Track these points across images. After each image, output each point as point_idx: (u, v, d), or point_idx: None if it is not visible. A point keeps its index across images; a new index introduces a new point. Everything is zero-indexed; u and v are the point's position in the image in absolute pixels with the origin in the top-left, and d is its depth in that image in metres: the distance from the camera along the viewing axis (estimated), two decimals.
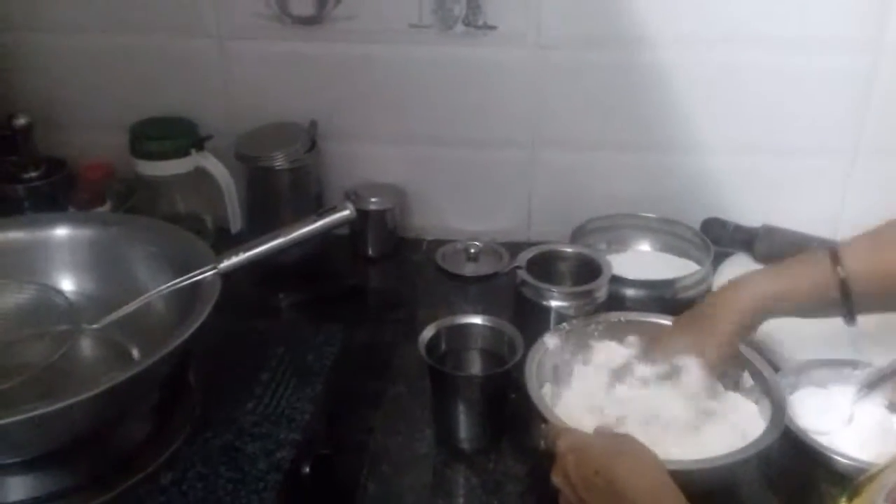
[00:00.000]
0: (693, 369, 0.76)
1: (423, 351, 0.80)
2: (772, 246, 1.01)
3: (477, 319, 0.85)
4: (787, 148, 1.07)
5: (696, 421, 0.76)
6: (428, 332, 0.82)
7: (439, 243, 1.15)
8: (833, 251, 0.72)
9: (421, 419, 0.85)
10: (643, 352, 0.81)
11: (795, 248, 1.00)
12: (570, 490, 0.66)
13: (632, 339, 0.84)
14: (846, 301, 0.72)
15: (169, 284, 0.73)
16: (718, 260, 1.02)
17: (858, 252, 0.72)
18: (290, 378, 0.79)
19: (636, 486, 0.62)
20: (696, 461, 0.71)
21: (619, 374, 0.80)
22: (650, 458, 0.65)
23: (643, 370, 0.79)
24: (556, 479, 0.68)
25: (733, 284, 0.78)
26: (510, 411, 0.84)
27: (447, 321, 0.84)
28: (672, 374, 0.76)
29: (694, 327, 0.78)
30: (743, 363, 0.80)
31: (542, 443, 0.72)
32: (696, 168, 1.08)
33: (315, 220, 0.75)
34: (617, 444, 0.67)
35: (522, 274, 0.90)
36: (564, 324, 0.85)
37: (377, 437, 0.83)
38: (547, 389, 0.80)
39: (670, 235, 1.06)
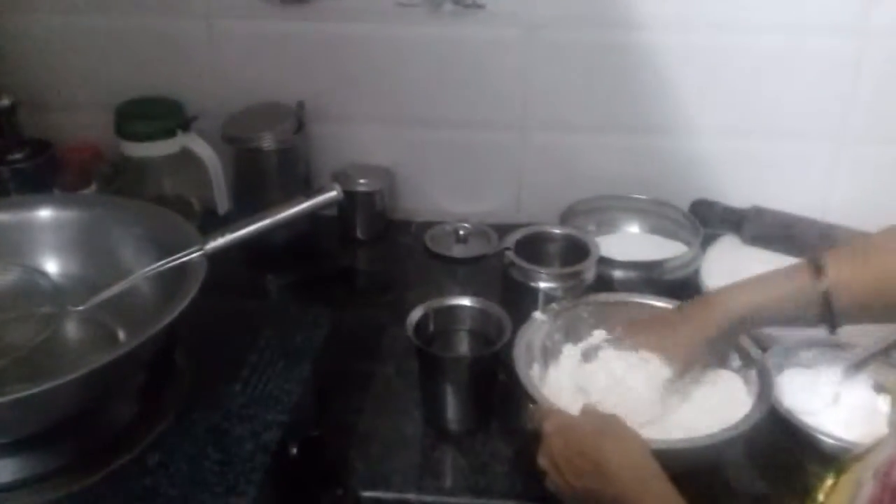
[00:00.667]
0: (657, 365, 0.76)
1: (411, 332, 0.80)
2: (761, 227, 1.01)
3: (465, 301, 0.85)
4: (777, 131, 1.07)
5: (666, 406, 0.76)
6: (416, 314, 0.82)
7: (428, 225, 1.15)
8: (815, 263, 0.71)
9: (409, 400, 0.85)
10: (614, 337, 0.81)
11: (784, 228, 1.01)
12: (556, 471, 0.66)
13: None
14: (828, 313, 0.71)
15: (154, 266, 0.72)
16: (707, 241, 1.02)
17: (840, 264, 0.71)
18: (278, 360, 0.79)
19: (620, 467, 0.63)
20: (681, 440, 0.71)
21: (588, 354, 0.80)
22: (634, 439, 0.66)
23: (610, 354, 0.79)
24: (543, 460, 0.68)
25: (709, 298, 0.78)
26: (498, 392, 0.84)
27: (435, 303, 0.84)
28: (638, 365, 0.77)
29: (663, 331, 0.78)
30: (734, 347, 0.80)
31: (529, 424, 0.72)
32: (685, 150, 1.08)
33: (302, 201, 0.75)
34: (602, 424, 0.68)
35: (511, 255, 0.90)
36: (553, 304, 0.85)
37: (365, 419, 0.84)
38: (535, 370, 0.80)
39: (659, 217, 1.06)
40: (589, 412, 0.71)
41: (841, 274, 0.70)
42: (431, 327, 0.84)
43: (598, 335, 0.86)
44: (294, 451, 0.71)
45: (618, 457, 0.64)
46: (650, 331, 0.79)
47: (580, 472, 0.64)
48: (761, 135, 1.07)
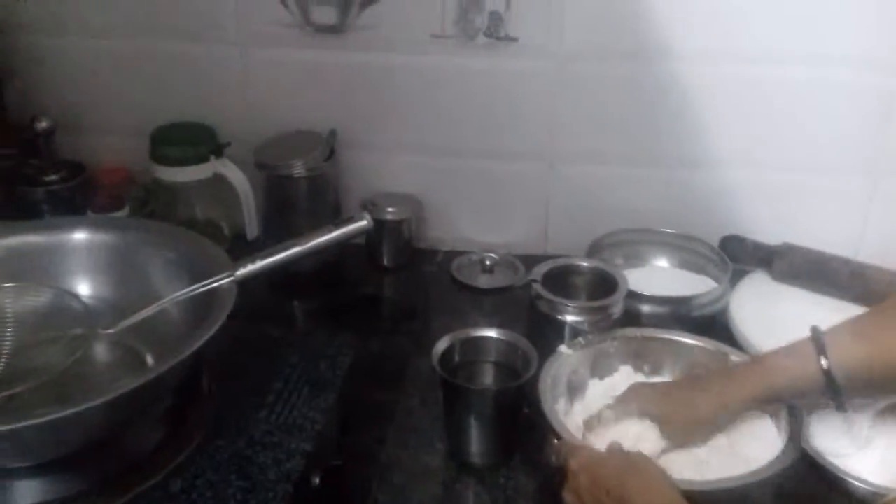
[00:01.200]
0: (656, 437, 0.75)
1: (436, 363, 0.80)
2: (791, 264, 1.00)
3: (491, 333, 0.84)
4: (809, 165, 1.05)
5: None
6: (442, 345, 0.82)
7: (455, 254, 1.15)
8: (818, 340, 0.72)
9: (432, 432, 0.84)
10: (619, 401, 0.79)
11: (816, 266, 0.99)
12: None
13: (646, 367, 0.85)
14: (833, 390, 0.71)
15: (185, 291, 0.73)
16: (737, 278, 1.01)
17: (841, 340, 0.71)
18: (303, 387, 0.79)
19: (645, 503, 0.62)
20: (709, 482, 0.70)
21: (590, 424, 0.79)
22: (661, 478, 0.65)
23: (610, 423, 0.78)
24: (568, 497, 0.68)
25: (728, 373, 0.78)
26: (523, 426, 0.83)
27: (461, 334, 0.84)
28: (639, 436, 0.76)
29: (671, 405, 0.76)
30: None
31: (554, 459, 0.71)
32: (715, 184, 1.07)
33: (332, 230, 0.75)
34: (628, 462, 0.67)
35: (538, 287, 0.89)
36: (580, 338, 0.85)
37: (388, 449, 0.83)
38: (560, 405, 0.79)
39: (688, 252, 1.05)
40: (615, 450, 0.70)
41: (843, 351, 0.70)
42: (457, 358, 0.83)
43: (625, 371, 0.85)
44: (317, 480, 0.71)
45: (643, 496, 0.63)
46: (656, 403, 0.77)
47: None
48: (793, 169, 1.06)
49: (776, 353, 0.75)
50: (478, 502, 0.78)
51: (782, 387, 0.73)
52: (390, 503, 0.77)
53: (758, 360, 0.77)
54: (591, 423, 0.79)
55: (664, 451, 0.75)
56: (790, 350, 0.74)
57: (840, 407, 0.72)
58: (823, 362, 0.70)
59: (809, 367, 0.71)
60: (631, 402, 0.78)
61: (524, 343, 0.82)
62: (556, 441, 0.72)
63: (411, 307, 1.09)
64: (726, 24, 0.99)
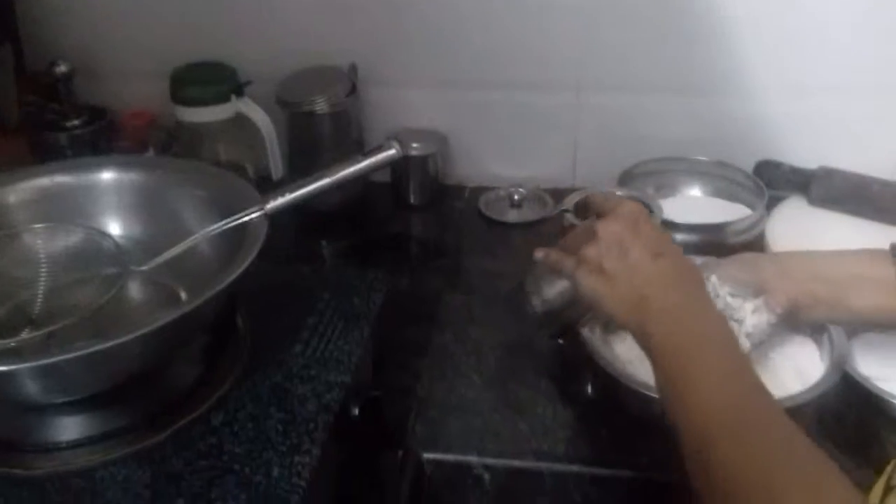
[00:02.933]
0: (755, 308, 0.73)
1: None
2: (830, 188, 0.98)
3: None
4: (845, 86, 1.02)
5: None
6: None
7: (482, 190, 1.13)
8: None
9: (467, 365, 0.84)
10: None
11: (856, 189, 0.97)
12: (602, 245, 0.64)
13: None
14: None
15: (216, 226, 0.72)
16: (772, 204, 0.99)
17: None
18: (338, 322, 0.79)
19: (662, 276, 0.61)
20: None
21: None
22: (691, 268, 0.64)
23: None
24: (604, 229, 0.65)
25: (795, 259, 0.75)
26: (556, 357, 0.82)
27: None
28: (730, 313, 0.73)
29: (762, 267, 0.73)
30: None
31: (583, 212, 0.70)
32: (749, 109, 1.04)
33: (361, 160, 0.73)
34: (659, 243, 0.64)
35: (570, 217, 0.88)
36: None
37: (424, 383, 0.83)
38: (597, 333, 0.78)
39: (722, 179, 1.03)
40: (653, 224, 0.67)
41: None
42: None
43: None
44: (355, 411, 0.71)
45: (664, 267, 0.62)
46: (749, 270, 0.74)
47: (623, 258, 0.62)
48: (829, 91, 1.02)
49: (847, 252, 0.71)
50: (516, 432, 0.78)
51: (852, 287, 0.69)
52: (429, 434, 0.77)
53: (830, 253, 0.73)
54: None
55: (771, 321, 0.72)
56: (863, 253, 0.70)
57: None
58: None
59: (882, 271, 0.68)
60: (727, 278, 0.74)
61: None
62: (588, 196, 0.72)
63: (440, 244, 1.08)
64: None
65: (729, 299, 0.73)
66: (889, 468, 0.56)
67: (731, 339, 0.60)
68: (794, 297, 0.71)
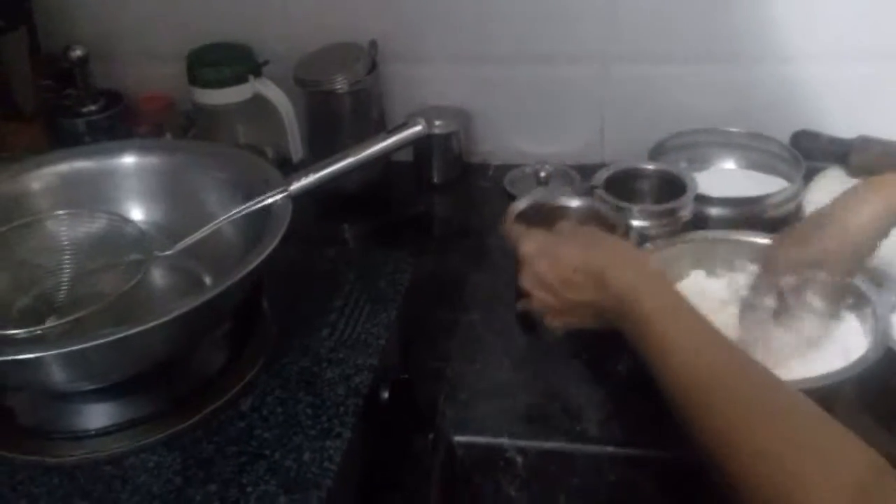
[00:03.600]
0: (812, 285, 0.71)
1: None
2: (869, 158, 0.94)
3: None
4: (884, 52, 0.98)
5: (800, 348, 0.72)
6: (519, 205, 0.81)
7: (507, 168, 1.11)
8: None
9: (497, 346, 0.83)
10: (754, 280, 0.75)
11: (893, 158, 0.94)
12: (547, 291, 0.66)
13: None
14: None
15: (240, 209, 0.70)
16: (810, 176, 0.95)
17: None
18: (364, 305, 0.77)
19: (620, 274, 0.61)
20: (796, 381, 0.67)
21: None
22: (626, 246, 0.66)
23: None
24: (526, 283, 0.67)
25: (854, 195, 0.72)
26: (587, 337, 0.80)
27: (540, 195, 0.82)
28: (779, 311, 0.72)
29: (818, 235, 0.71)
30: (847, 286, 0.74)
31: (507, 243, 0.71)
32: (783, 78, 1.00)
33: (386, 138, 0.72)
34: (589, 238, 0.66)
35: (600, 193, 0.86)
36: (648, 244, 0.81)
37: (453, 365, 0.81)
38: None
39: (757, 151, 1.00)
40: (574, 230, 0.69)
41: None
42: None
43: (696, 276, 0.82)
44: (385, 395, 0.70)
45: (614, 265, 0.62)
46: (804, 242, 0.71)
47: (576, 286, 0.63)
48: (865, 58, 0.99)
49: None
50: (548, 414, 0.76)
51: None
52: (459, 416, 0.76)
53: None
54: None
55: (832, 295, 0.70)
56: None
57: None
58: None
59: None
60: (781, 260, 0.72)
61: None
62: (503, 226, 0.72)
63: (465, 224, 1.06)
64: None
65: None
66: None
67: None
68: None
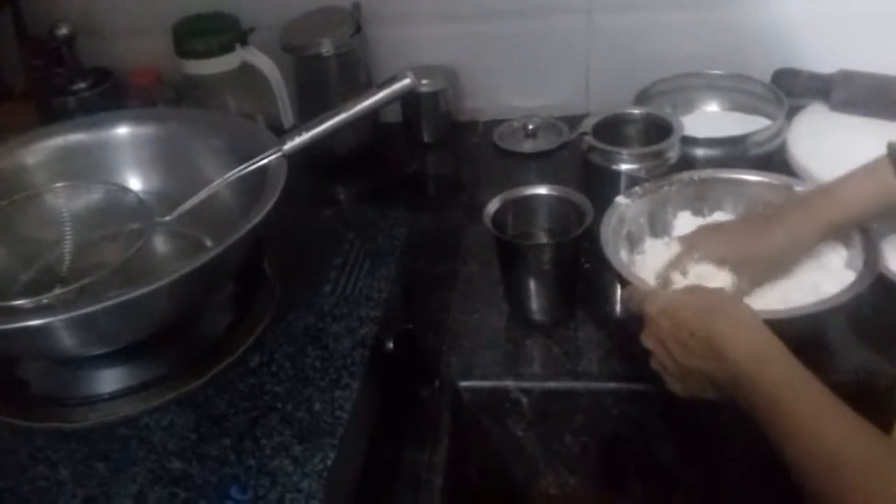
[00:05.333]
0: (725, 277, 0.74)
1: (488, 222, 0.78)
2: (851, 92, 0.96)
3: (543, 190, 0.82)
4: None
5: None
6: (493, 205, 0.80)
7: (496, 123, 1.12)
8: (893, 154, 0.68)
9: (495, 296, 0.84)
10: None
11: (877, 91, 0.95)
12: (665, 353, 0.64)
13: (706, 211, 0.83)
14: None
15: (236, 171, 0.71)
16: (793, 113, 0.97)
17: None
18: (364, 261, 0.79)
19: (735, 344, 0.59)
20: (788, 310, 0.69)
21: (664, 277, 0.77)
22: (749, 314, 0.62)
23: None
24: (648, 342, 0.65)
25: (804, 204, 0.74)
26: (583, 280, 0.82)
27: (513, 193, 0.82)
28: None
29: (743, 245, 0.74)
30: None
31: (629, 306, 0.69)
32: (763, 16, 1.01)
33: (376, 92, 0.72)
34: (712, 301, 0.64)
35: (589, 139, 0.87)
36: (637, 187, 0.83)
37: (454, 315, 0.83)
38: (623, 256, 0.78)
39: (740, 92, 1.01)
40: (695, 289, 0.68)
41: None
42: (510, 218, 0.81)
43: (683, 217, 0.83)
44: (390, 345, 0.71)
45: (731, 333, 0.59)
46: (726, 240, 0.75)
47: (692, 352, 0.61)
48: None
49: (849, 176, 0.72)
50: (550, 356, 0.78)
51: (858, 210, 0.71)
52: (464, 363, 0.78)
53: (829, 186, 0.73)
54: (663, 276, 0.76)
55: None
56: (865, 171, 0.71)
57: None
58: None
59: (888, 186, 0.68)
60: (699, 246, 0.75)
61: (577, 196, 0.80)
62: (628, 287, 0.71)
63: (457, 180, 1.08)
64: None
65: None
66: None
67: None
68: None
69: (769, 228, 0.74)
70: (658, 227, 0.83)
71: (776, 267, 0.75)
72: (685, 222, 0.83)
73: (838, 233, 0.75)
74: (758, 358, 0.58)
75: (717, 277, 0.74)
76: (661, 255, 0.79)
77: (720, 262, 0.74)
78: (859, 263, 0.73)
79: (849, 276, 0.72)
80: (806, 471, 0.52)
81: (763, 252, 0.73)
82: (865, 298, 0.70)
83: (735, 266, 0.74)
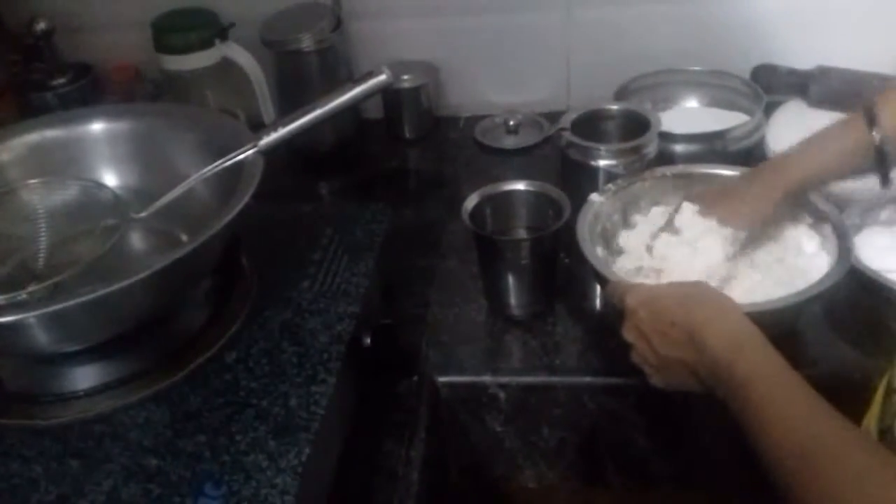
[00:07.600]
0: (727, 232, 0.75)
1: (466, 218, 0.78)
2: (828, 88, 0.96)
3: (521, 185, 0.82)
4: None
5: (736, 270, 0.75)
6: (471, 201, 0.80)
7: (477, 119, 1.12)
8: (869, 110, 0.69)
9: (475, 290, 0.85)
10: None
11: (853, 87, 0.95)
12: (646, 345, 0.64)
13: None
14: (881, 165, 0.69)
15: (212, 166, 0.71)
16: (771, 109, 0.97)
17: (891, 109, 0.68)
18: (342, 255, 0.79)
19: (714, 332, 0.59)
20: (765, 303, 0.69)
21: (669, 223, 0.78)
22: (728, 303, 0.62)
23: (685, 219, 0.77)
24: (629, 335, 0.65)
25: (772, 163, 0.76)
26: (561, 275, 0.82)
27: (490, 189, 0.82)
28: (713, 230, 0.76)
29: (729, 200, 0.76)
30: (805, 205, 0.77)
31: (610, 300, 0.69)
32: (743, 12, 1.01)
33: (352, 88, 0.72)
34: (691, 291, 0.64)
35: (567, 135, 0.87)
36: (610, 184, 0.83)
37: (433, 310, 0.83)
38: (600, 252, 0.78)
39: (718, 88, 1.01)
40: (675, 283, 0.68)
41: (893, 119, 0.68)
42: (488, 214, 0.82)
43: (656, 212, 0.83)
44: (367, 340, 0.71)
45: (711, 323, 0.60)
46: (716, 201, 0.76)
47: (672, 342, 0.61)
48: None
49: (830, 128, 0.72)
50: (528, 350, 0.78)
51: (835, 162, 0.72)
52: (442, 358, 0.78)
53: (808, 141, 0.74)
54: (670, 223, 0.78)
55: (741, 244, 0.75)
56: (842, 124, 0.72)
57: (884, 183, 0.71)
58: (876, 132, 0.68)
59: (861, 140, 0.69)
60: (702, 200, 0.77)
61: (555, 192, 0.80)
62: (610, 282, 0.71)
63: (439, 176, 1.08)
64: None
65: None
66: (890, 371, 0.57)
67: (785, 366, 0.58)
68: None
69: (752, 185, 0.75)
70: (632, 223, 0.83)
71: (762, 220, 0.75)
72: (659, 217, 0.84)
73: (813, 188, 0.75)
74: (735, 347, 0.58)
75: (707, 237, 0.75)
76: (633, 243, 0.80)
77: (719, 219, 0.75)
78: (833, 250, 0.73)
79: (823, 261, 0.73)
80: (777, 460, 0.52)
81: (752, 210, 0.74)
82: (841, 288, 0.71)
83: (724, 221, 0.75)
